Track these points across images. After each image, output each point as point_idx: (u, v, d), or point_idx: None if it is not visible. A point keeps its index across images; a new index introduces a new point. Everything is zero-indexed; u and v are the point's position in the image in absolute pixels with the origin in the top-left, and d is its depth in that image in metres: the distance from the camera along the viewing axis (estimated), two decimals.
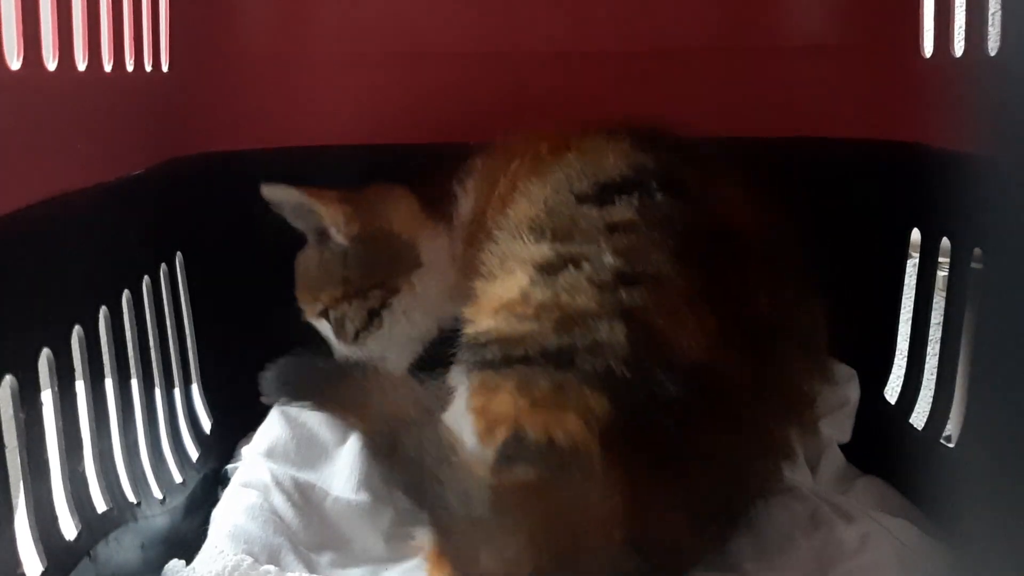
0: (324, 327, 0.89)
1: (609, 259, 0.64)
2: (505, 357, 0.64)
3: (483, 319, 0.68)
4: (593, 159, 0.73)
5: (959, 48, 0.74)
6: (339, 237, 0.85)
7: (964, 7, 0.73)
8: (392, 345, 0.87)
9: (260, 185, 0.83)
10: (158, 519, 0.70)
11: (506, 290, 0.67)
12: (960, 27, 0.74)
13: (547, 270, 0.65)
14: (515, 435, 0.61)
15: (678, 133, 0.76)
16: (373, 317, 0.85)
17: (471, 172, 0.85)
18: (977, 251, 0.72)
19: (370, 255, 0.85)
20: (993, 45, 0.68)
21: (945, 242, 0.78)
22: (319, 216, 0.84)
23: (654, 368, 0.60)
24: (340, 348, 0.88)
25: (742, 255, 0.67)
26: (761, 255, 0.68)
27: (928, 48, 0.80)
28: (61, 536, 0.56)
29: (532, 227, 0.70)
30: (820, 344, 0.71)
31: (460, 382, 0.70)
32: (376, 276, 0.85)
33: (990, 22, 0.70)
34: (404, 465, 0.66)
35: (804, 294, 0.69)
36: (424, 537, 0.64)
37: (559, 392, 0.60)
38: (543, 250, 0.67)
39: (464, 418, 0.67)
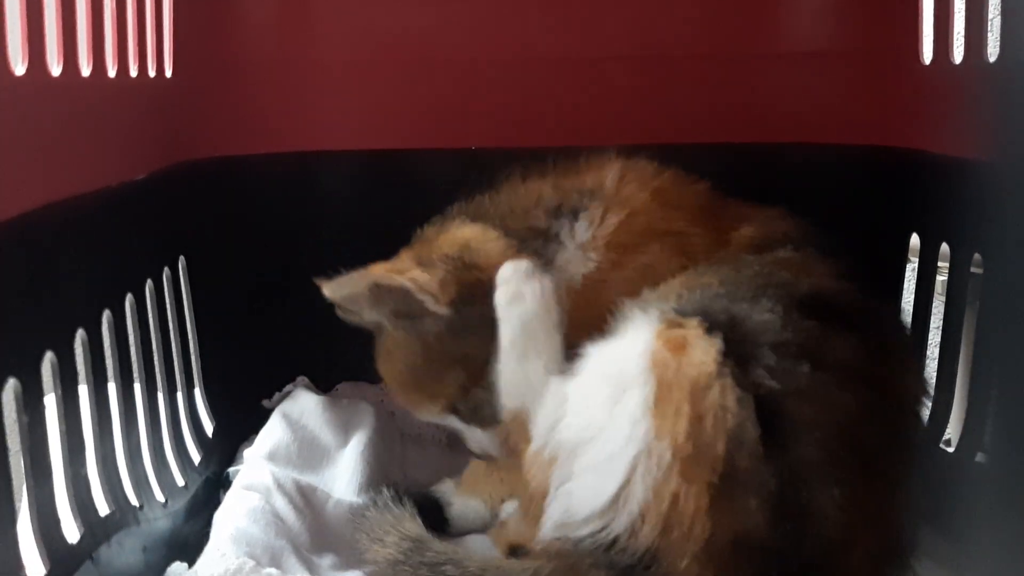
0: (454, 423, 0.75)
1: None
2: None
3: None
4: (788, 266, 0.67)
5: (958, 55, 0.75)
6: (439, 308, 0.69)
7: (963, 14, 0.73)
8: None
9: (323, 290, 0.69)
10: (160, 522, 0.70)
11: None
12: (959, 34, 0.75)
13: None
14: None
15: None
16: None
17: (576, 212, 0.73)
18: (976, 256, 0.72)
19: (478, 318, 0.69)
20: (992, 51, 0.69)
21: (944, 247, 0.78)
22: (404, 293, 0.69)
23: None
24: (481, 437, 0.75)
25: (891, 433, 0.61)
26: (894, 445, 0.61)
27: (927, 55, 0.81)
28: (63, 539, 0.56)
29: None
30: None
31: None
32: (494, 340, 0.69)
33: (989, 29, 0.70)
34: None
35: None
36: None
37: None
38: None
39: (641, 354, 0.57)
